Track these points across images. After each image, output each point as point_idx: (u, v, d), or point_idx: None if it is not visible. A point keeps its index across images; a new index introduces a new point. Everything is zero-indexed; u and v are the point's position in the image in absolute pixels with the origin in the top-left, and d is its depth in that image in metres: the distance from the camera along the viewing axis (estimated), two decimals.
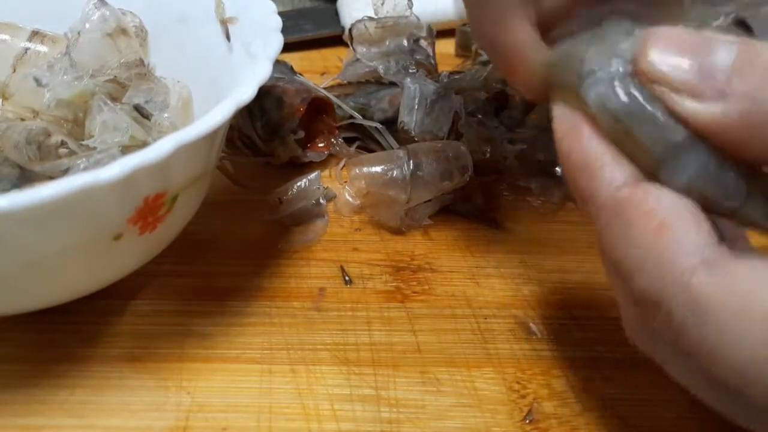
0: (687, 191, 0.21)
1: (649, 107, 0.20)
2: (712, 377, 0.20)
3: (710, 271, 0.19)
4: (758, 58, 0.19)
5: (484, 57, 0.45)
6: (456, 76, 0.43)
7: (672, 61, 0.20)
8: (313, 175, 0.37)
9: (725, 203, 0.21)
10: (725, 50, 0.19)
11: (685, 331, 0.20)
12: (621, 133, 0.21)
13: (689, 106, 0.20)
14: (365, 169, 0.36)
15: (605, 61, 0.21)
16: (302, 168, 0.40)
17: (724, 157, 0.20)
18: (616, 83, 0.21)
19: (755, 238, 0.24)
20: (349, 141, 0.42)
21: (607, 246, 0.21)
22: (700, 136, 0.20)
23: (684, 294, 0.19)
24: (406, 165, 0.35)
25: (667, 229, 0.20)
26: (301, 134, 0.40)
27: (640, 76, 0.20)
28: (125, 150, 0.31)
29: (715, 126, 0.19)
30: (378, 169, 0.36)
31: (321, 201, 0.37)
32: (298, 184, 0.37)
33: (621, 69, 0.21)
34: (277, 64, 0.41)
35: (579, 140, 0.22)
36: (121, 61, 0.35)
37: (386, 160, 0.36)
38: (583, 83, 0.21)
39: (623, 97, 0.21)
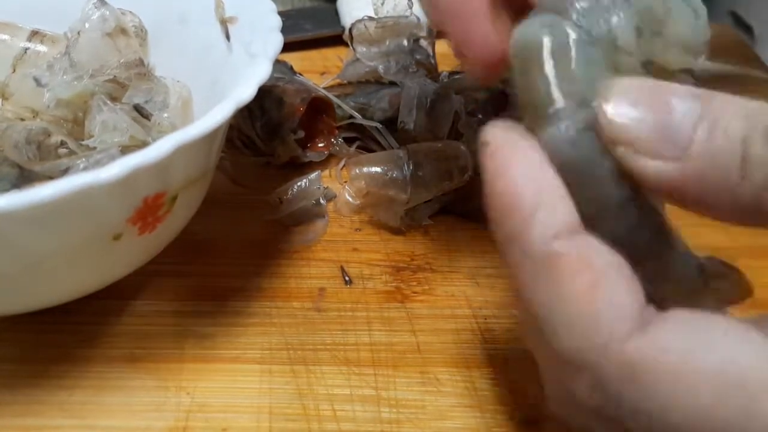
0: (620, 244, 0.20)
1: (604, 165, 0.19)
2: None
3: (644, 335, 0.19)
4: (719, 119, 0.19)
5: None
6: (456, 76, 0.42)
7: (632, 118, 0.19)
8: (313, 175, 0.37)
9: (647, 260, 0.20)
10: (685, 106, 0.19)
11: (615, 398, 0.19)
12: (569, 177, 0.20)
13: (646, 165, 0.19)
14: (365, 169, 0.36)
15: (572, 97, 0.19)
16: (302, 168, 0.40)
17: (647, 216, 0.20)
18: (577, 133, 0.19)
19: None
20: (349, 141, 0.42)
21: (531, 300, 0.20)
22: (647, 191, 0.20)
23: (617, 360, 0.19)
24: (406, 165, 0.35)
25: (600, 290, 0.19)
26: (301, 134, 0.40)
27: (599, 129, 0.19)
28: (125, 150, 0.31)
29: (669, 183, 0.19)
30: (378, 169, 0.36)
31: (321, 201, 0.37)
32: (299, 184, 0.37)
33: (584, 116, 0.19)
34: (277, 64, 0.41)
35: (519, 166, 0.20)
36: (121, 61, 0.35)
37: (386, 160, 0.36)
38: (545, 113, 0.20)
39: (581, 151, 0.19)
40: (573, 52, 0.20)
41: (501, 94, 0.41)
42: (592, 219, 0.20)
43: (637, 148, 0.19)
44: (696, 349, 0.18)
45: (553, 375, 0.21)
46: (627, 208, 0.20)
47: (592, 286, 0.19)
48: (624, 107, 0.19)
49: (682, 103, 0.19)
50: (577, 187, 0.20)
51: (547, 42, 0.20)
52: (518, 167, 0.20)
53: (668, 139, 0.19)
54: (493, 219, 0.20)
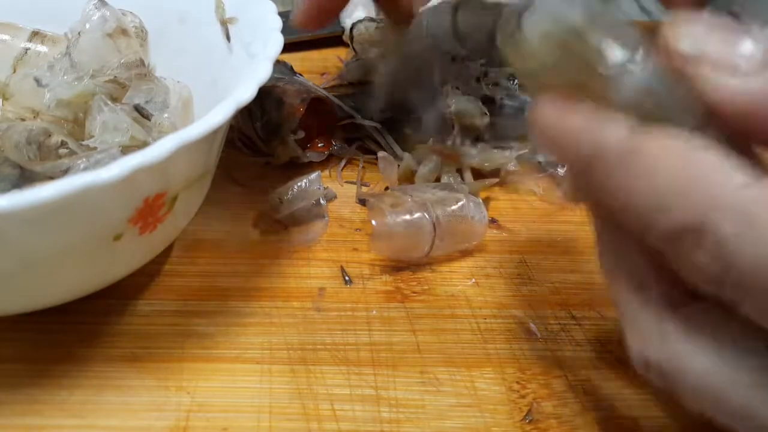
0: None
1: (680, 98, 0.20)
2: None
3: (762, 183, 0.18)
4: None
5: None
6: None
7: (705, 40, 0.19)
8: (313, 176, 0.37)
9: None
10: (755, 33, 0.19)
11: (738, 254, 0.18)
12: (645, 111, 0.20)
13: (725, 82, 0.19)
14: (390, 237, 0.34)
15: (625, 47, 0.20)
16: (302, 168, 0.40)
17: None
18: (649, 74, 0.20)
19: None
20: (349, 141, 0.42)
21: (620, 191, 0.20)
22: (728, 116, 0.20)
23: (737, 211, 0.18)
24: (429, 240, 0.34)
25: (700, 154, 0.19)
26: (301, 134, 0.40)
27: (672, 57, 0.20)
28: (125, 150, 0.31)
29: (750, 103, 0.19)
30: (402, 237, 0.34)
31: (321, 201, 0.37)
32: (299, 184, 0.37)
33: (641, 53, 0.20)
34: (277, 64, 0.41)
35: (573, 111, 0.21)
36: (122, 61, 0.35)
37: (413, 233, 0.34)
38: (607, 72, 0.20)
39: (657, 89, 0.20)
40: (600, 14, 0.20)
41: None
42: None
43: (714, 67, 0.19)
44: None
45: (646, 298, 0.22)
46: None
47: (688, 154, 0.19)
48: (697, 31, 0.19)
49: (752, 32, 0.19)
50: (664, 115, 0.20)
51: (578, 14, 0.20)
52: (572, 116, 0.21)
53: (743, 54, 0.19)
54: (556, 141, 0.21)
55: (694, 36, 0.20)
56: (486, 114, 0.39)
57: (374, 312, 0.33)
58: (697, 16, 0.20)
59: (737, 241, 0.18)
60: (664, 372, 0.21)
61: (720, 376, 0.20)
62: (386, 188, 0.39)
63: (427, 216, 0.34)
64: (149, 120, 0.34)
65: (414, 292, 0.34)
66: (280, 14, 0.32)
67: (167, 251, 0.32)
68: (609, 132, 0.20)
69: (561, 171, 0.39)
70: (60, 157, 0.31)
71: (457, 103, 0.39)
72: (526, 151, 0.39)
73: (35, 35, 0.37)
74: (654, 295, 0.22)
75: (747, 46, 0.19)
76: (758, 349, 0.20)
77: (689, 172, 0.19)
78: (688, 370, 0.21)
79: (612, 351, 0.31)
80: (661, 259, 0.21)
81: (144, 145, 0.32)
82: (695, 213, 0.19)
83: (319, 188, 0.37)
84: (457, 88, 0.39)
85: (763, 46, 0.19)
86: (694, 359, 0.20)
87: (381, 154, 0.39)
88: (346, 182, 0.40)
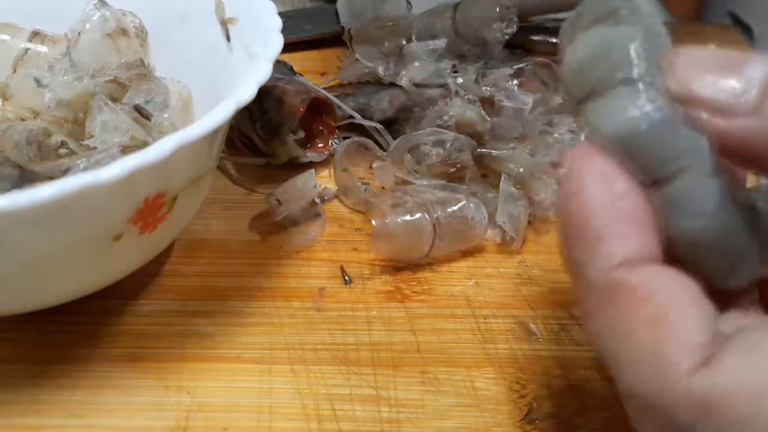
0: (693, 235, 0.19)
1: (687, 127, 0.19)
2: None
3: (713, 368, 0.18)
4: None
5: None
6: None
7: (714, 84, 0.19)
8: (306, 174, 0.37)
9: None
10: (757, 67, 0.19)
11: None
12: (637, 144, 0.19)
13: (721, 124, 0.19)
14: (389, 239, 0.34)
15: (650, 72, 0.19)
16: (302, 168, 0.40)
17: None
18: (660, 104, 0.19)
19: None
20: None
21: (596, 334, 0.20)
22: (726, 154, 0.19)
23: (687, 400, 0.18)
24: (429, 239, 0.34)
25: (663, 324, 0.18)
26: (301, 134, 0.40)
27: (679, 98, 0.19)
28: (125, 150, 0.31)
29: (745, 141, 0.19)
30: (402, 239, 0.34)
31: (317, 201, 0.37)
32: (293, 184, 0.37)
33: (657, 89, 0.19)
34: (277, 64, 0.41)
35: (592, 188, 0.19)
36: (122, 61, 0.35)
37: (414, 233, 0.34)
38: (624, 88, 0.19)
39: (664, 120, 0.19)
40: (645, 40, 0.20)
41: None
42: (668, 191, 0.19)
43: (713, 108, 0.19)
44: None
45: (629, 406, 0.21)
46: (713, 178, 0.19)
47: (654, 321, 0.18)
48: (702, 73, 0.19)
49: (752, 62, 0.19)
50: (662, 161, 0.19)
51: (634, 36, 0.20)
52: (591, 189, 0.19)
53: (741, 95, 0.19)
54: (562, 241, 0.20)
55: (679, 78, 0.19)
56: (487, 120, 0.38)
57: (374, 312, 0.33)
58: (698, 52, 0.20)
59: (693, 426, 0.18)
60: None
61: None
62: (382, 188, 0.39)
63: (427, 216, 0.34)
64: (149, 120, 0.34)
65: (414, 292, 0.34)
66: (280, 14, 0.32)
67: (167, 251, 0.32)
68: (596, 266, 0.19)
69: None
70: (60, 157, 0.31)
71: (457, 109, 0.38)
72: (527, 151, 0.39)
73: (35, 35, 0.37)
74: None
75: (735, 84, 0.19)
76: None
77: (652, 345, 0.18)
78: None
79: None
80: None
81: (144, 145, 0.32)
82: (649, 392, 0.18)
83: (316, 187, 0.37)
84: (457, 92, 0.39)
85: (757, 77, 0.19)
86: None
87: (376, 164, 0.39)
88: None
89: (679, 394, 0.18)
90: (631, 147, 0.19)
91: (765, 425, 0.17)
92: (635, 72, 0.19)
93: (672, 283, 0.19)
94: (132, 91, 0.34)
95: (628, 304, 0.19)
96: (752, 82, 0.19)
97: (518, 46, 0.48)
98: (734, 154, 0.20)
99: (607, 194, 0.19)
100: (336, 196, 0.39)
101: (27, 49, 0.36)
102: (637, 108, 0.19)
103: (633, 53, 0.20)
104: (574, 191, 0.20)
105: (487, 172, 0.38)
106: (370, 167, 0.39)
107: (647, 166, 0.19)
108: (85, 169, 0.30)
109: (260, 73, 0.28)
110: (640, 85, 0.19)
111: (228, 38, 0.34)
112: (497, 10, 0.42)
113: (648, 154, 0.19)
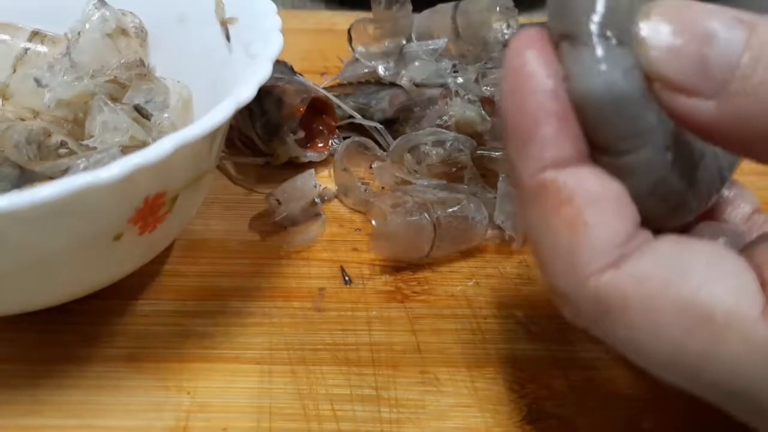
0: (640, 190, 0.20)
1: (645, 102, 0.18)
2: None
3: (618, 270, 0.19)
4: (765, 49, 0.17)
5: None
6: None
7: (667, 49, 0.18)
8: (306, 174, 0.37)
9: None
10: (727, 34, 0.17)
11: (600, 330, 0.20)
12: (595, 112, 0.19)
13: (680, 102, 0.18)
14: (389, 240, 0.34)
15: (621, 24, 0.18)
16: (302, 168, 0.40)
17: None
18: (626, 73, 0.18)
19: None
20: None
21: (527, 227, 0.21)
22: (689, 131, 0.19)
23: (590, 295, 0.19)
24: (429, 240, 0.34)
25: (580, 225, 0.19)
26: (301, 134, 0.40)
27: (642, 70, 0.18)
28: (125, 150, 0.31)
29: (707, 123, 0.18)
30: (401, 240, 0.34)
31: (317, 201, 0.37)
32: (293, 184, 0.37)
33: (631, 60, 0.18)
34: (277, 64, 0.41)
35: (531, 93, 0.19)
36: (121, 61, 0.35)
37: (414, 233, 0.34)
38: (587, 42, 0.18)
39: (627, 89, 0.18)
40: None
41: None
42: (609, 153, 0.19)
43: (673, 85, 0.18)
44: (671, 280, 0.18)
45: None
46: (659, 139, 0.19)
47: (573, 221, 0.19)
48: (661, 35, 0.18)
49: (724, 30, 0.17)
50: (611, 123, 0.19)
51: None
52: (529, 88, 0.19)
53: (705, 74, 0.17)
54: (504, 135, 0.20)
55: (658, 35, 0.18)
56: (487, 120, 0.38)
57: (374, 312, 0.33)
58: (668, 4, 0.18)
59: (595, 322, 0.20)
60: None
61: None
62: (382, 188, 0.39)
63: (427, 216, 0.34)
64: (149, 120, 0.34)
65: (414, 292, 0.34)
66: (280, 14, 0.32)
67: (167, 251, 0.32)
68: (527, 165, 0.20)
69: None
70: (60, 157, 0.31)
71: (457, 109, 0.38)
72: None
73: (35, 35, 0.37)
74: None
75: (715, 49, 0.18)
76: None
77: (568, 243, 0.19)
78: None
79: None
80: None
81: (144, 145, 0.32)
82: (562, 285, 0.20)
83: (315, 186, 0.37)
84: (457, 92, 0.39)
85: (732, 48, 0.17)
86: None
87: (376, 164, 0.39)
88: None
89: (586, 291, 0.19)
90: (587, 112, 0.19)
91: (650, 336, 0.18)
92: (597, 24, 0.18)
93: (595, 185, 0.19)
94: (132, 91, 0.34)
95: (551, 204, 0.19)
96: (721, 56, 0.18)
97: None
98: (705, 137, 0.19)
99: (544, 94, 0.19)
100: (336, 196, 0.39)
101: (27, 49, 0.36)
102: (599, 76, 0.18)
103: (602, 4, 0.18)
104: (515, 84, 0.19)
105: (486, 173, 0.38)
106: (370, 167, 0.39)
107: (602, 136, 0.19)
108: (85, 169, 0.30)
109: (260, 73, 0.28)
110: (604, 45, 0.18)
111: (228, 38, 0.34)
112: (497, 10, 0.42)
113: (603, 125, 0.19)
